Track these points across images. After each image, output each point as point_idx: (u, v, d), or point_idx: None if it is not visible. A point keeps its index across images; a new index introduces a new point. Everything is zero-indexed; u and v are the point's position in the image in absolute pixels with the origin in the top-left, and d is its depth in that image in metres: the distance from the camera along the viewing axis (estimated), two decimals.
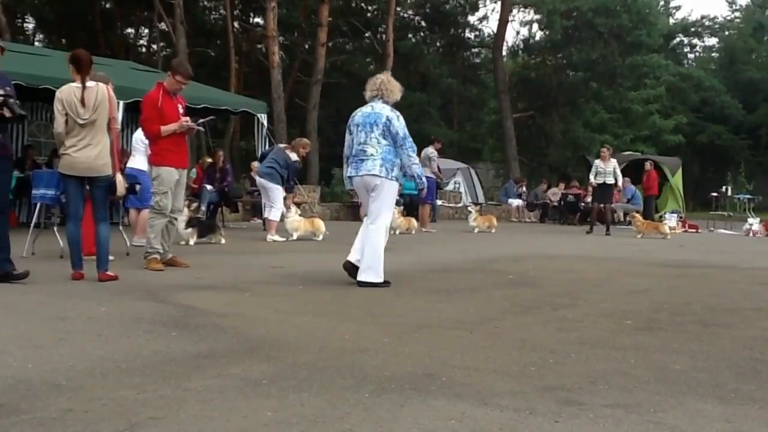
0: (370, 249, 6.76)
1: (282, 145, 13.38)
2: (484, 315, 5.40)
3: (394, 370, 3.64)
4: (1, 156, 5.83)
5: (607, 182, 16.39)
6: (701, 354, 4.24)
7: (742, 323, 5.39)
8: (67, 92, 6.64)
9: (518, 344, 4.38)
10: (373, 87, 7.04)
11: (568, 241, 14.27)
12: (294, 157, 12.31)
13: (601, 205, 16.88)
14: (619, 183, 16.96)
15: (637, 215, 16.93)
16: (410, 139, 6.90)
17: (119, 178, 6.71)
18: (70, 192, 6.81)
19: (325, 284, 6.94)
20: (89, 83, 6.64)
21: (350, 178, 7.05)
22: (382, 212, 6.89)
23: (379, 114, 6.85)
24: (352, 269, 6.89)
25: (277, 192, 12.01)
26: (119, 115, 11.79)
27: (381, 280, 6.73)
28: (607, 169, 16.37)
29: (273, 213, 12.00)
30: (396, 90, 7.07)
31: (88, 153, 6.57)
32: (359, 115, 6.99)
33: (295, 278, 7.24)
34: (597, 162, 16.65)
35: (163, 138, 7.63)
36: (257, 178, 12.36)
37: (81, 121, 6.55)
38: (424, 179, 7.15)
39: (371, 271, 6.72)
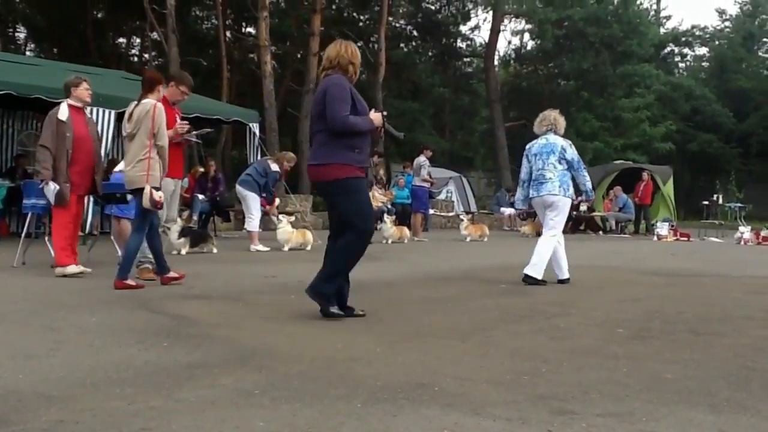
0: (541, 249, 8.04)
1: (266, 157, 13.39)
2: (477, 324, 5.39)
3: (387, 380, 3.64)
4: (361, 177, 5.63)
5: None
6: (693, 363, 4.24)
7: (734, 332, 5.40)
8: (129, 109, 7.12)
9: (511, 353, 4.38)
10: (547, 122, 8.34)
11: None
12: (274, 167, 12.28)
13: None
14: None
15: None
16: (583, 163, 8.28)
17: (146, 189, 6.80)
18: (136, 205, 7.13)
19: None
20: (144, 100, 6.98)
21: (530, 198, 8.28)
22: (560, 223, 8.20)
23: (554, 144, 8.15)
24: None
25: (253, 200, 12.01)
26: (110, 124, 11.86)
27: (541, 277, 7.96)
28: None
29: (251, 224, 12.01)
30: (563, 124, 8.41)
31: (129, 166, 6.96)
32: (536, 146, 8.27)
33: (288, 288, 7.23)
34: None
35: None
36: (236, 187, 12.35)
37: (125, 134, 7.06)
38: (592, 194, 8.70)
39: (537, 267, 7.97)
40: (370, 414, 3.09)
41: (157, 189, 6.91)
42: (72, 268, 7.58)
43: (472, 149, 40.37)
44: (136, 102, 7.11)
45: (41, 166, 7.61)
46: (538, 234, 18.07)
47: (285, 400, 3.26)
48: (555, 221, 8.15)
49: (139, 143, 6.91)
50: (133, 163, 6.94)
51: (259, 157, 14.10)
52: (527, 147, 8.40)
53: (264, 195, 12.41)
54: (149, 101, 7.00)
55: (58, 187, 7.58)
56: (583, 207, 22.40)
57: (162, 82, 7.25)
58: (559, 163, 8.07)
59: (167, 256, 8.54)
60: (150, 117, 6.89)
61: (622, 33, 33.85)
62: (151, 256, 7.68)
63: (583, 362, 4.17)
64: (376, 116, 5.53)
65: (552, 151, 8.12)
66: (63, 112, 7.61)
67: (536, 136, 8.45)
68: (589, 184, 8.36)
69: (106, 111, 11.84)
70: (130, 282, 6.82)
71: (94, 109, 11.62)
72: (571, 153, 8.14)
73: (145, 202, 6.82)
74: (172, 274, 7.24)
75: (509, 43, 46.10)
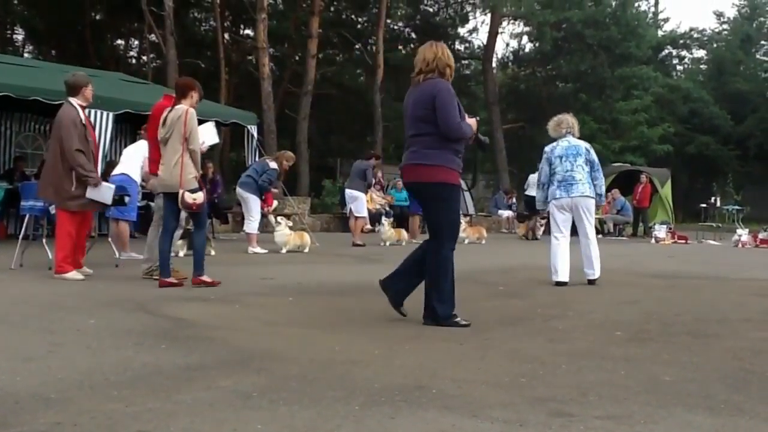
0: (596, 253, 8.36)
1: (264, 157, 13.37)
2: (475, 326, 5.39)
3: (385, 382, 3.64)
4: (459, 186, 5.63)
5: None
6: (691, 365, 4.24)
7: (732, 334, 5.41)
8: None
9: (509, 355, 4.38)
10: (566, 125, 8.45)
11: None
12: (273, 164, 12.24)
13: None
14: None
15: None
16: (600, 165, 8.53)
17: (180, 193, 7.03)
18: (164, 207, 7.36)
19: (316, 295, 6.93)
20: (177, 106, 7.19)
21: (556, 198, 8.30)
22: (593, 225, 8.56)
23: (578, 146, 8.34)
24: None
25: (254, 202, 12.01)
26: (110, 127, 11.86)
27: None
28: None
29: (251, 226, 12.00)
30: (578, 127, 8.64)
31: (164, 170, 7.18)
32: (559, 148, 8.34)
33: (285, 290, 7.23)
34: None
35: None
36: (237, 189, 12.37)
37: (160, 138, 7.23)
38: (604, 199, 8.89)
39: (599, 270, 8.36)
40: (368, 416, 3.09)
41: (192, 192, 7.08)
42: (72, 274, 7.54)
43: (470, 151, 40.28)
44: (170, 108, 7.25)
45: (86, 170, 7.50)
46: (531, 237, 18.30)
47: (283, 402, 3.26)
48: (592, 223, 8.50)
49: (172, 148, 7.10)
50: (170, 167, 7.12)
51: (257, 159, 14.09)
52: (548, 149, 8.43)
53: (263, 198, 12.41)
54: (181, 107, 7.17)
55: (113, 186, 7.76)
56: None
57: (194, 88, 7.39)
58: (585, 164, 8.29)
59: None
60: (182, 122, 7.06)
61: (620, 35, 33.87)
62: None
63: (581, 364, 4.17)
64: (472, 122, 5.51)
65: (578, 153, 8.29)
66: (80, 113, 7.61)
67: (546, 140, 8.51)
68: (603, 188, 8.56)
69: (104, 113, 11.83)
70: (205, 278, 7.21)
71: (93, 111, 11.61)
72: (593, 155, 8.39)
73: (181, 205, 7.08)
74: (171, 279, 7.25)
75: (507, 45, 45.91)
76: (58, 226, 7.69)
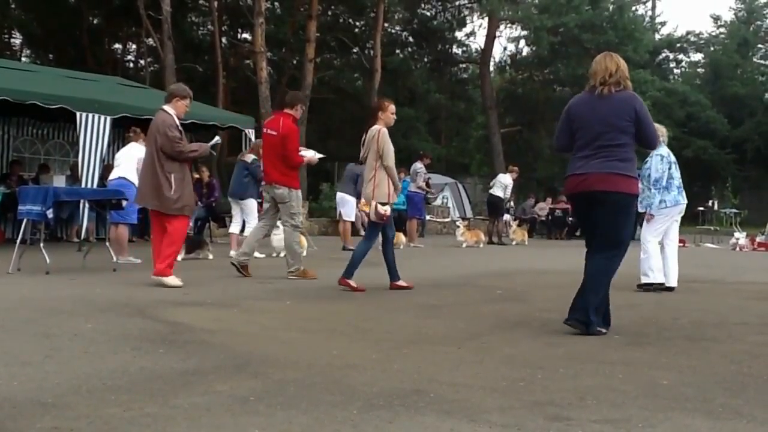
0: (674, 260, 8.53)
1: (240, 155, 12.99)
2: (473, 330, 5.39)
3: (383, 387, 3.63)
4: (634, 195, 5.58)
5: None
6: (689, 369, 4.24)
7: (730, 338, 5.41)
8: None
9: (507, 360, 4.38)
10: (662, 133, 8.37)
11: (556, 256, 14.29)
12: (250, 157, 11.88)
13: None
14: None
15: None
16: None
17: (372, 204, 7.61)
18: (368, 218, 7.98)
19: (314, 300, 6.93)
20: (373, 126, 7.84)
21: (680, 204, 8.46)
22: None
23: None
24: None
25: (251, 204, 11.92)
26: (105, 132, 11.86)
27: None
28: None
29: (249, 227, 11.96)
30: None
31: (365, 185, 7.81)
32: (672, 154, 8.58)
33: (284, 294, 7.23)
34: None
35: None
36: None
37: (360, 158, 7.99)
38: None
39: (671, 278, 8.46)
40: (365, 421, 3.08)
41: (384, 204, 7.64)
42: (172, 280, 7.45)
43: (467, 155, 40.40)
44: (366, 130, 7.95)
45: (193, 149, 7.83)
46: (498, 241, 18.16)
47: (280, 406, 3.25)
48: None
49: (369, 165, 7.79)
50: (367, 182, 7.78)
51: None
52: (666, 154, 8.48)
53: (260, 201, 12.34)
54: (375, 127, 7.82)
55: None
56: None
57: (383, 108, 7.94)
58: None
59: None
60: (375, 141, 7.72)
61: (617, 39, 33.94)
62: (256, 253, 9.15)
63: (579, 368, 4.17)
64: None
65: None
66: (175, 120, 7.67)
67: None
68: None
69: (102, 117, 11.83)
70: (351, 283, 7.61)
71: (90, 115, 11.62)
72: None
73: (372, 216, 7.68)
74: (401, 282, 7.92)
75: (505, 49, 46.00)
76: (173, 231, 7.58)
